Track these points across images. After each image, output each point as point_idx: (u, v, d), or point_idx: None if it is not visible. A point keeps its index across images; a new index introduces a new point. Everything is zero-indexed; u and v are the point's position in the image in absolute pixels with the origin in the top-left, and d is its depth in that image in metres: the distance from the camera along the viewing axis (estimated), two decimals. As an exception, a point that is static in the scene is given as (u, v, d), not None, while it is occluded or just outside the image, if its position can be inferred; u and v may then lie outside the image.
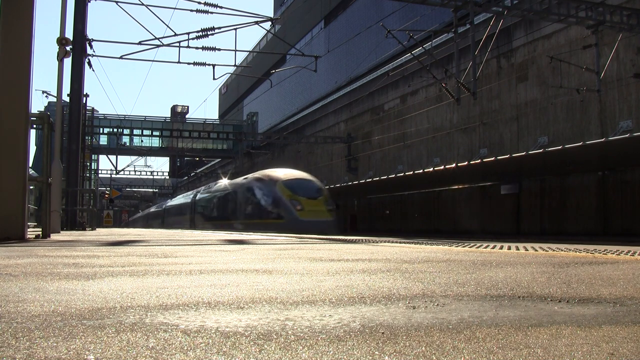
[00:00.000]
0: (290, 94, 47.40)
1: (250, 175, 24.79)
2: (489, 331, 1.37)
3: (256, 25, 19.50)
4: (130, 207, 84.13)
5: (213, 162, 63.50)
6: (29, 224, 8.44)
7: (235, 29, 19.63)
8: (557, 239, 11.90)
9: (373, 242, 6.91)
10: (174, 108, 61.35)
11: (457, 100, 16.17)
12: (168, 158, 61.97)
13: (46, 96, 34.91)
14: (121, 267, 3.28)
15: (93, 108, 33.60)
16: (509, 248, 5.23)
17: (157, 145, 48.14)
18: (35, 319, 1.52)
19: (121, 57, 20.94)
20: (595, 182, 16.69)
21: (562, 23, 17.49)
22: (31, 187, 13.63)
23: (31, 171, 11.97)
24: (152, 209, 63.71)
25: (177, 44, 19.99)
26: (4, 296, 1.99)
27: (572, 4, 16.48)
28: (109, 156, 45.12)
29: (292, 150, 41.55)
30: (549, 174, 17.96)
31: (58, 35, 14.50)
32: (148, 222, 61.42)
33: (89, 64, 20.66)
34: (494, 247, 5.42)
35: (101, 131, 43.64)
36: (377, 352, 1.16)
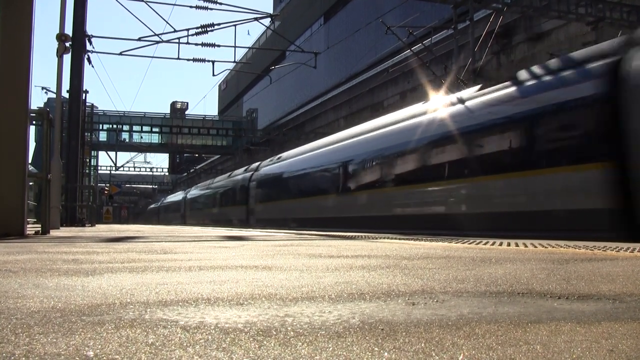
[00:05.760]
0: (289, 91, 47.39)
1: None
2: (489, 327, 1.37)
3: (256, 22, 19.50)
4: (129, 203, 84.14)
5: (212, 159, 63.51)
6: (28, 220, 8.44)
7: (235, 26, 19.62)
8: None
9: (372, 239, 6.91)
10: (173, 104, 61.29)
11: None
12: (167, 154, 61.93)
13: (46, 92, 34.87)
14: (120, 263, 3.28)
15: (92, 104, 33.60)
16: (509, 244, 5.23)
17: (157, 141, 48.13)
18: (34, 315, 1.52)
19: (120, 54, 20.98)
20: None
21: (562, 20, 17.48)
22: (31, 183, 13.63)
23: (30, 167, 11.98)
24: (168, 200, 52.77)
25: (177, 40, 20.01)
26: (3, 292, 1.99)
27: (572, 0, 16.46)
28: (109, 152, 45.22)
29: (291, 147, 41.60)
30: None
31: (57, 32, 14.50)
32: (159, 216, 52.31)
33: (89, 60, 20.65)
34: (493, 244, 5.42)
35: (101, 127, 43.70)
36: (376, 348, 1.16)
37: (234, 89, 66.28)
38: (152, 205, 65.48)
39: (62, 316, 1.51)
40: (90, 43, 20.41)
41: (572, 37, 18.29)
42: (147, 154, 58.91)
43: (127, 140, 46.65)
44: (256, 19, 19.42)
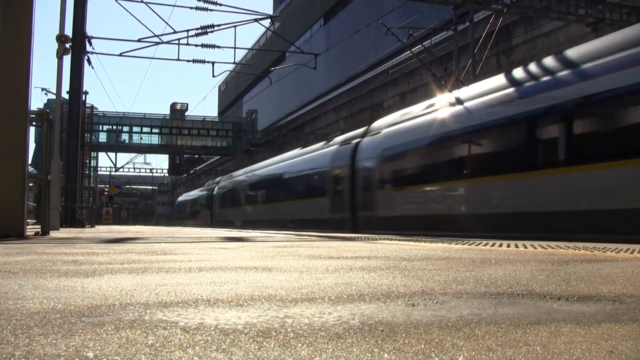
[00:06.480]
0: (289, 92, 47.38)
1: None
2: (488, 329, 1.37)
3: (256, 23, 19.51)
4: (129, 204, 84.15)
5: (212, 160, 63.50)
6: (28, 221, 8.44)
7: (235, 27, 19.63)
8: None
9: (372, 240, 6.91)
10: (173, 105, 61.33)
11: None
12: (167, 155, 61.93)
13: (45, 93, 34.89)
14: (120, 264, 3.28)
15: (92, 105, 33.63)
16: (508, 245, 5.23)
17: (157, 142, 48.12)
18: (34, 316, 1.52)
19: (120, 55, 20.98)
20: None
21: (562, 21, 17.49)
22: (30, 184, 13.63)
23: (30, 168, 11.98)
24: (241, 176, 28.26)
25: (177, 42, 20.03)
26: (3, 293, 1.99)
27: (572, 2, 16.47)
28: (108, 153, 45.19)
29: (291, 148, 41.57)
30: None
31: (57, 33, 14.49)
32: (213, 213, 31.12)
33: (89, 61, 20.68)
34: (493, 245, 5.42)
35: (100, 128, 43.71)
36: (376, 350, 1.16)
37: (233, 90, 66.26)
38: (191, 195, 42.71)
39: (61, 317, 1.51)
40: (90, 44, 20.44)
41: (572, 38, 18.29)
42: (147, 155, 58.89)
43: (126, 141, 46.64)
44: (256, 20, 19.43)
